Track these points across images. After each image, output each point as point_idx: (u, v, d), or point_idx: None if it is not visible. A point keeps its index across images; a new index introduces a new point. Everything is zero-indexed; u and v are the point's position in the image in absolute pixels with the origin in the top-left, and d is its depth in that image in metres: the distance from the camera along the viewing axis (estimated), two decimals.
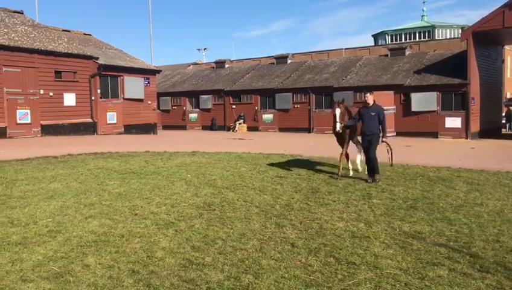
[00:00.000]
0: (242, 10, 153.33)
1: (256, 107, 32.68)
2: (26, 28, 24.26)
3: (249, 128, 31.99)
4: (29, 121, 21.83)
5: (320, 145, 19.54)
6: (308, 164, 12.54)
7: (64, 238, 5.59)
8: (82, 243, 5.41)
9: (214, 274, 4.47)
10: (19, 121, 21.42)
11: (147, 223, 6.28)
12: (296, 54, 37.18)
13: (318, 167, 11.98)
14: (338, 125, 10.13)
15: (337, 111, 10.15)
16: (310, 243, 5.45)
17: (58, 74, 23.06)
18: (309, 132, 29.99)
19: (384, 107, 11.57)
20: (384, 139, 10.07)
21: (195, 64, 44.50)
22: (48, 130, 22.46)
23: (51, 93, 22.53)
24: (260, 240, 5.54)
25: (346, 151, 10.90)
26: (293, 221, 6.43)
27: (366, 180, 9.85)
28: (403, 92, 27.28)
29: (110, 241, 5.45)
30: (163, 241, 5.47)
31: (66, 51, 23.61)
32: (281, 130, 31.19)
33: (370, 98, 10.17)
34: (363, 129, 10.13)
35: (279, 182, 9.65)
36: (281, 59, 36.35)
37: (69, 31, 28.74)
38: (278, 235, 5.77)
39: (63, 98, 23.26)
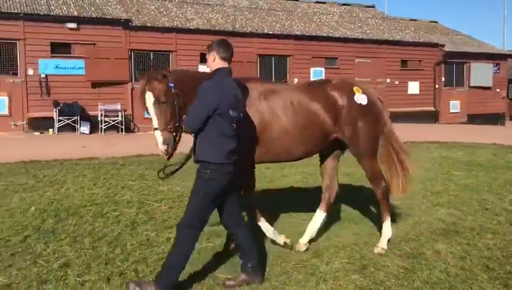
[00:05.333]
0: None
1: None
2: (376, 20, 26.09)
3: None
4: None
5: None
6: None
7: (413, 221, 5.87)
8: (431, 229, 5.53)
9: None
10: None
11: (500, 219, 5.87)
12: None
13: None
14: (157, 137, 3.93)
15: (147, 97, 3.94)
16: None
17: (404, 62, 23.87)
18: None
19: None
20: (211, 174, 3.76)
21: None
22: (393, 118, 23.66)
23: (396, 82, 23.55)
24: None
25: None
26: None
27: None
28: None
29: (460, 232, 5.37)
30: None
31: (412, 40, 24.18)
32: None
33: (210, 59, 3.92)
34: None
35: None
36: None
37: (415, 20, 29.21)
38: None
39: (407, 86, 23.96)
